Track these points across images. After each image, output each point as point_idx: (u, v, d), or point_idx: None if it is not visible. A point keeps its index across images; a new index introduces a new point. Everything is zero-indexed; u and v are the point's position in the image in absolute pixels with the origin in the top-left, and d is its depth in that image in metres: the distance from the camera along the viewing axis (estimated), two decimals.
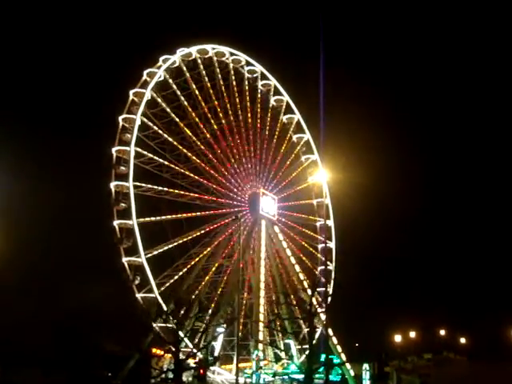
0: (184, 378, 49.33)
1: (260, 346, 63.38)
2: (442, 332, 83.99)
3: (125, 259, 58.91)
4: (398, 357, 69.75)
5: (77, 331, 59.96)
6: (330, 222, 76.90)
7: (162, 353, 48.25)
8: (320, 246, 75.58)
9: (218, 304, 62.77)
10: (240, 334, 55.39)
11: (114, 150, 61.44)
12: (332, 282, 72.79)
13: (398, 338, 75.90)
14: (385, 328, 73.47)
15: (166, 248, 62.66)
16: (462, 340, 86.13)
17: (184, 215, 65.01)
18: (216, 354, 60.18)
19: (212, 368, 59.18)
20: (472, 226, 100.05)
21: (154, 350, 51.00)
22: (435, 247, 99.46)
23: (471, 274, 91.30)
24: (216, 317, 57.57)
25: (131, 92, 64.16)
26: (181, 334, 45.42)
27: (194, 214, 66.07)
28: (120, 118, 62.75)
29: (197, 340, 52.38)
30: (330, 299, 46.88)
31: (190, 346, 51.96)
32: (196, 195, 66.08)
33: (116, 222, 59.56)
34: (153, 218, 62.16)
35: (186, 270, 63.64)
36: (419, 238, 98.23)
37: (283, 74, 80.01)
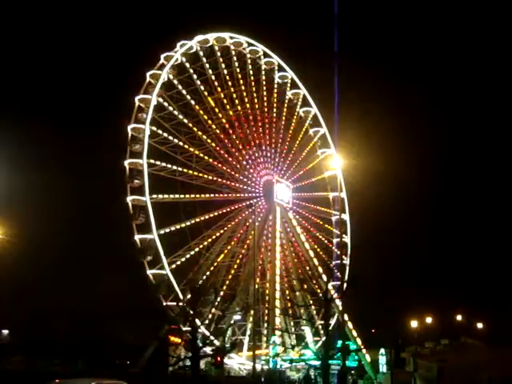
0: (202, 366, 49.79)
1: (276, 333, 63.74)
2: (459, 317, 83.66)
3: (136, 236, 59.47)
4: (414, 342, 69.69)
5: (97, 322, 60.84)
6: (343, 194, 76.42)
7: (180, 341, 48.66)
8: (335, 240, 75.61)
9: (234, 291, 63.06)
10: (256, 321, 55.96)
11: (129, 127, 62.03)
12: (347, 269, 72.99)
13: (414, 324, 75.79)
14: (401, 314, 73.32)
15: (178, 227, 63.02)
16: (479, 325, 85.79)
17: (198, 196, 65.29)
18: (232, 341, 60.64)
19: (229, 355, 59.61)
20: (490, 210, 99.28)
21: (171, 338, 51.44)
22: (451, 233, 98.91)
23: (487, 258, 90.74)
24: (232, 304, 57.90)
25: (148, 73, 64.59)
26: (197, 321, 45.78)
27: (207, 195, 66.28)
28: (136, 98, 63.22)
29: (213, 327, 52.88)
30: (345, 286, 46.88)
31: (207, 333, 52.39)
32: (210, 178, 66.30)
33: (129, 199, 60.12)
34: (166, 196, 62.63)
35: (197, 249, 64.01)
36: (436, 223, 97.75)
37: (300, 65, 79.83)
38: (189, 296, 47.42)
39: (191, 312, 43.97)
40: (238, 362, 64.84)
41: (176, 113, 65.33)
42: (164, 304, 56.66)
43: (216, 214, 66.73)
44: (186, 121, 65.83)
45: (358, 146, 60.38)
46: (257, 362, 55.01)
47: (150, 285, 58.18)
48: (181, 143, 64.82)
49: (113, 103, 79.39)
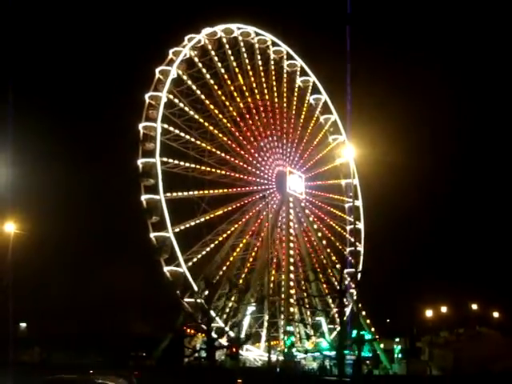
0: (217, 357, 50.05)
1: (291, 323, 63.85)
2: (474, 306, 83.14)
3: (152, 234, 59.73)
4: (429, 332, 69.46)
5: (113, 314, 61.29)
6: (356, 181, 76.11)
7: (194, 332, 48.91)
8: (349, 227, 75.31)
9: (248, 282, 63.20)
10: (273, 312, 56.08)
11: (140, 126, 62.09)
12: (362, 257, 72.92)
13: (429, 313, 75.45)
14: (416, 303, 72.96)
15: (193, 223, 62.97)
16: (495, 314, 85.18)
17: (211, 191, 65.15)
18: (247, 332, 60.83)
19: (245, 346, 59.83)
20: (506, 198, 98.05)
21: (186, 330, 51.74)
22: (467, 221, 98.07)
23: (503, 247, 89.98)
24: (246, 295, 58.06)
25: (157, 70, 64.62)
26: (212, 313, 45.97)
27: (221, 190, 66.10)
28: (146, 96, 63.35)
29: (227, 318, 53.06)
30: (360, 275, 46.83)
31: (222, 324, 52.62)
32: (223, 172, 66.26)
33: (144, 197, 60.24)
34: (180, 194, 62.52)
35: (213, 245, 63.95)
36: (450, 212, 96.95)
37: (309, 53, 79.47)
38: (204, 290, 47.54)
39: (206, 305, 44.18)
40: (256, 355, 64.94)
41: (186, 109, 65.25)
42: (182, 301, 56.74)
43: (230, 208, 66.54)
44: (196, 116, 65.71)
45: (371, 136, 59.87)
46: (273, 352, 55.21)
47: (167, 282, 58.29)
48: (192, 139, 64.69)
49: (123, 99, 79.49)
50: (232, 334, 52.20)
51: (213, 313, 46.65)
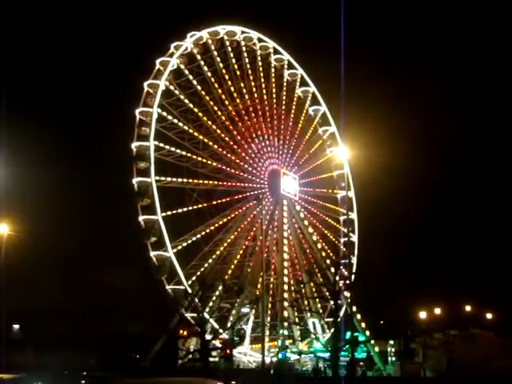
0: (211, 359, 49.98)
1: (285, 325, 63.81)
2: (468, 308, 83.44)
3: (141, 218, 59.59)
4: (423, 333, 69.65)
5: (106, 316, 61.20)
6: (351, 193, 76.25)
7: (186, 334, 48.89)
8: (343, 240, 75.36)
9: (242, 284, 63.12)
10: (260, 312, 55.95)
11: (137, 111, 62.53)
12: (355, 267, 72.90)
13: (423, 315, 75.66)
14: (409, 305, 73.29)
15: (183, 210, 62.64)
16: (489, 315, 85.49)
17: (203, 182, 64.98)
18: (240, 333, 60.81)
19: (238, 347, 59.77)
20: (500, 201, 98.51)
21: (180, 332, 51.69)
22: (460, 223, 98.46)
23: (496, 248, 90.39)
24: (241, 297, 57.98)
25: (157, 61, 65.03)
26: (206, 315, 45.91)
27: (214, 182, 65.84)
28: (145, 84, 63.64)
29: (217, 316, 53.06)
30: (353, 277, 46.88)
31: (216, 326, 52.54)
32: (217, 165, 66.12)
33: (135, 180, 60.33)
34: (172, 179, 62.36)
35: (201, 235, 63.65)
36: (444, 214, 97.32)
37: (310, 63, 79.49)
38: (196, 287, 47.56)
39: (199, 305, 44.12)
40: (239, 352, 64.74)
41: (185, 100, 65.46)
42: (166, 288, 56.94)
43: (221, 201, 66.42)
44: (192, 106, 65.80)
45: (365, 138, 60.03)
46: (266, 354, 55.11)
47: (153, 266, 58.44)
48: (187, 128, 64.77)
49: (122, 92, 79.96)
50: (226, 335, 52.17)
51: (207, 315, 46.58)
